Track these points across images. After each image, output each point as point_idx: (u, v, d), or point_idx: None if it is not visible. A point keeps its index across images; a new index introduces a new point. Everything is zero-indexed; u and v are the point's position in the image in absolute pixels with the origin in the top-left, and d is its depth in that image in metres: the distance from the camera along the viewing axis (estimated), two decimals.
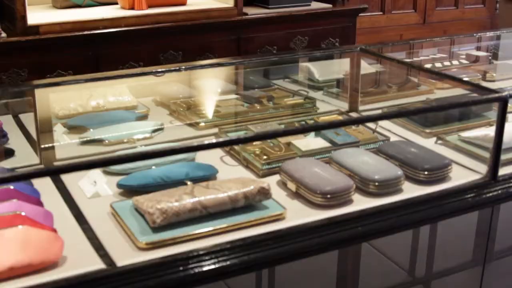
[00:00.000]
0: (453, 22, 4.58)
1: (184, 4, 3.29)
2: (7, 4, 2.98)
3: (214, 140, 1.32)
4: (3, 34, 2.80)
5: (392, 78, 2.62)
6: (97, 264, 1.29)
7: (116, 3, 3.25)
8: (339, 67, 2.65)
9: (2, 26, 2.85)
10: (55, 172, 1.50)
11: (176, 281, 1.29)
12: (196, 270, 1.31)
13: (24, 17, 2.79)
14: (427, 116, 2.13)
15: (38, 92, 2.06)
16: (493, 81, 2.65)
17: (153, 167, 1.68)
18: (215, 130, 2.04)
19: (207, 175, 1.67)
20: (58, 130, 2.03)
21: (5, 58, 2.76)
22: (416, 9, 4.35)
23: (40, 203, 1.46)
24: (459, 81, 2.24)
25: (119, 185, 1.62)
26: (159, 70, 2.06)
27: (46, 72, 2.84)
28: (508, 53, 3.10)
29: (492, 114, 2.10)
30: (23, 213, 1.31)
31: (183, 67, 2.08)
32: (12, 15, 2.87)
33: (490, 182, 1.72)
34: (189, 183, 1.55)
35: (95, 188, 1.62)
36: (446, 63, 2.84)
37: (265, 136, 1.62)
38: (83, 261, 1.30)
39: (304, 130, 1.76)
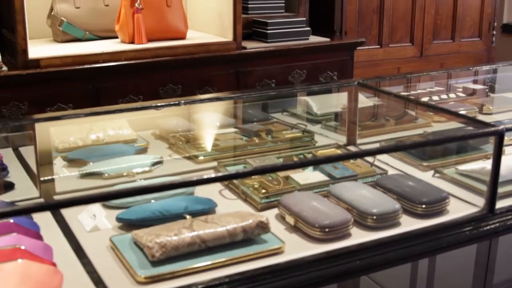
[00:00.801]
0: (450, 55, 4.62)
1: (183, 38, 3.33)
2: (8, 38, 3.01)
3: (213, 175, 1.33)
4: (4, 68, 2.83)
5: (389, 111, 2.64)
6: None
7: (116, 37, 3.28)
8: (337, 100, 2.67)
9: (3, 59, 2.87)
10: (54, 207, 1.51)
11: None
12: None
13: (25, 51, 2.82)
14: (425, 149, 2.14)
15: (38, 126, 2.07)
16: (490, 114, 2.67)
17: (152, 200, 1.69)
18: (214, 163, 2.05)
19: (206, 209, 1.68)
20: (58, 163, 2.04)
21: (5, 91, 2.78)
22: (413, 43, 4.40)
23: (39, 237, 1.46)
24: (455, 115, 2.26)
25: (118, 219, 1.63)
26: (159, 104, 2.08)
27: (46, 105, 2.86)
28: (504, 86, 3.13)
29: (489, 147, 2.11)
30: (22, 247, 1.31)
31: (183, 102, 2.10)
32: (13, 48, 2.90)
33: (488, 215, 1.73)
34: (188, 217, 1.55)
35: (94, 222, 1.63)
36: (443, 96, 2.86)
37: (264, 170, 1.63)
38: None
39: (302, 164, 1.77)
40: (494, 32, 4.82)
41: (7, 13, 2.99)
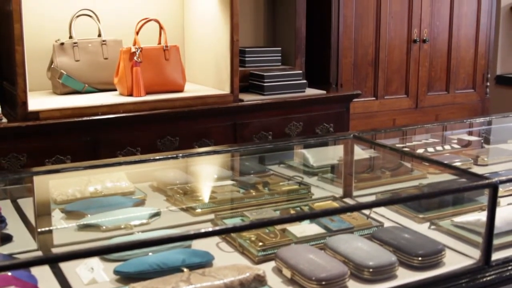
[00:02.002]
0: (444, 107, 4.67)
1: (181, 91, 3.37)
2: (8, 90, 3.05)
3: (210, 229, 1.34)
4: (4, 120, 2.85)
5: (385, 163, 2.66)
6: None
7: (115, 90, 3.33)
8: (333, 153, 2.69)
9: (3, 111, 2.90)
10: (52, 261, 1.51)
11: None
12: None
13: (25, 103, 2.85)
14: (420, 201, 2.16)
15: (37, 178, 2.08)
16: (486, 165, 2.69)
17: (150, 253, 1.70)
18: (212, 216, 2.06)
19: (203, 262, 1.68)
20: (56, 215, 2.05)
21: (4, 143, 2.80)
22: (408, 94, 4.45)
23: None
24: (450, 167, 2.28)
25: (116, 272, 1.63)
26: (157, 157, 2.10)
27: (45, 156, 2.88)
28: (499, 137, 3.16)
29: (484, 198, 2.13)
30: None
31: (180, 155, 2.13)
32: (13, 100, 2.93)
33: (484, 267, 1.73)
34: (185, 270, 1.56)
35: (92, 275, 1.63)
36: (439, 147, 2.89)
37: (261, 224, 1.65)
38: None
39: (299, 218, 1.79)
40: (488, 84, 4.88)
41: (7, 65, 3.04)
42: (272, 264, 1.73)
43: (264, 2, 3.99)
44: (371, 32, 4.19)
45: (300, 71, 3.69)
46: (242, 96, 3.41)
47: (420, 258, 1.72)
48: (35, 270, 1.58)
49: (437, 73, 4.58)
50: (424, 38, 4.43)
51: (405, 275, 1.68)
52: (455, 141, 3.03)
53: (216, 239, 1.89)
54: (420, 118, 4.53)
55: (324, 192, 2.33)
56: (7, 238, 1.87)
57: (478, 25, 4.73)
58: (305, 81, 3.65)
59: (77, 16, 3.37)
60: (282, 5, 3.93)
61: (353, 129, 3.87)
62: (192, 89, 3.45)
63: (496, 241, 1.77)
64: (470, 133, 3.23)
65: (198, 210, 2.11)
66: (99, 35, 3.42)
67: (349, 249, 1.72)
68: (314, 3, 4.03)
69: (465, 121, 3.24)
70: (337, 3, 4.00)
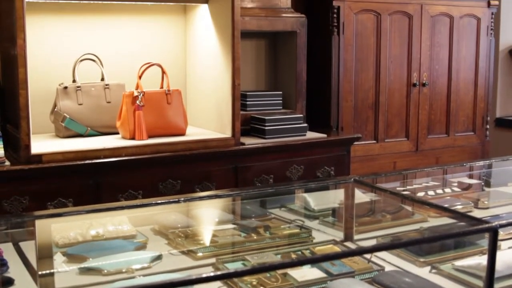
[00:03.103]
0: (445, 149, 4.69)
1: (183, 134, 3.40)
2: (11, 133, 3.08)
3: (212, 274, 1.35)
4: (7, 163, 2.88)
5: (386, 206, 2.67)
6: None
7: (118, 133, 3.35)
8: (334, 196, 2.70)
9: (6, 154, 2.92)
10: None
11: None
12: None
13: (28, 146, 2.88)
14: (421, 245, 2.16)
15: (39, 221, 2.09)
16: (486, 208, 2.69)
17: None
18: (213, 259, 2.07)
19: None
20: (58, 258, 2.05)
21: (7, 186, 2.82)
22: (408, 137, 4.48)
23: None
24: (450, 211, 2.29)
25: None
26: (158, 202, 2.12)
27: (47, 199, 2.89)
28: (499, 180, 3.17)
29: (485, 241, 2.13)
30: None
31: (182, 199, 2.14)
32: (16, 144, 2.96)
33: None
34: None
35: None
36: (439, 191, 2.89)
37: (262, 269, 1.65)
38: None
39: (300, 263, 1.79)
40: (488, 126, 4.91)
41: (11, 109, 3.07)
42: None
43: (265, 46, 4.05)
44: (371, 76, 4.24)
45: (301, 115, 3.73)
46: (244, 139, 3.44)
47: None
48: None
49: (437, 116, 4.61)
50: (424, 81, 4.48)
51: None
52: (456, 184, 3.03)
53: (217, 283, 1.89)
54: (421, 161, 4.55)
55: (325, 236, 2.34)
56: (9, 282, 1.87)
57: (477, 68, 4.78)
58: (306, 124, 3.69)
59: (81, 61, 3.42)
60: (283, 49, 3.99)
61: (354, 172, 3.89)
62: (194, 133, 3.48)
63: (497, 285, 1.77)
64: (470, 176, 3.24)
65: (200, 254, 2.11)
66: (102, 79, 3.47)
67: None
68: (314, 48, 4.09)
69: (464, 164, 3.26)
70: (337, 47, 4.06)
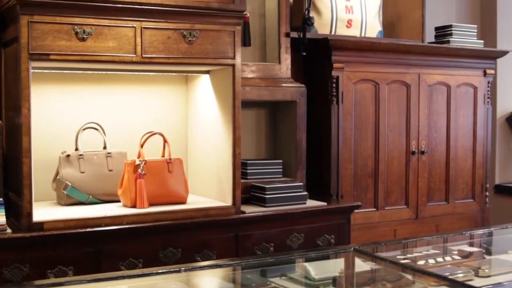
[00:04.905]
0: (445, 217, 4.69)
1: (184, 202, 3.42)
2: (13, 201, 3.10)
3: None
4: (8, 230, 2.88)
5: (386, 275, 2.67)
6: None
7: (119, 201, 3.37)
8: (334, 266, 2.70)
9: (8, 222, 2.94)
10: None
11: None
12: None
13: (30, 214, 2.89)
14: None
15: None
16: (487, 276, 2.69)
17: None
18: None
19: None
20: None
21: (8, 253, 2.82)
22: (408, 205, 4.49)
23: None
24: (451, 280, 2.29)
25: None
26: (159, 271, 2.12)
27: (47, 267, 2.88)
28: (499, 248, 3.17)
29: None
30: None
31: (183, 269, 2.15)
32: (18, 211, 2.98)
33: None
34: None
35: None
36: (439, 259, 2.89)
37: None
38: None
39: None
40: (487, 193, 4.93)
41: (14, 176, 3.10)
42: None
43: (265, 115, 4.11)
44: (370, 144, 4.29)
45: (301, 183, 3.75)
46: (244, 208, 3.45)
47: None
48: None
49: (436, 184, 4.63)
50: (423, 149, 4.52)
51: None
52: (456, 252, 3.03)
53: None
54: (421, 228, 4.55)
55: None
56: None
57: (475, 136, 4.82)
58: (306, 193, 3.71)
59: (84, 129, 3.47)
60: (283, 118, 4.05)
61: (355, 240, 3.88)
62: (195, 201, 3.50)
63: None
64: (470, 244, 3.25)
65: None
66: (105, 147, 3.51)
67: None
68: (314, 116, 4.15)
69: (464, 233, 3.27)
70: (337, 116, 4.12)
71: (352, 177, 4.21)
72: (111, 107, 3.67)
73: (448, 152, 4.68)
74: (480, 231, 3.37)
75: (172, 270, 2.19)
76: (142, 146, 3.40)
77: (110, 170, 3.44)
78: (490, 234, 3.42)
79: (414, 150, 4.48)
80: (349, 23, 4.43)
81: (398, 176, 4.43)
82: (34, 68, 3.01)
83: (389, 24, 4.90)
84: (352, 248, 2.40)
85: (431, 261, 2.84)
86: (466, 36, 4.78)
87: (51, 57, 2.94)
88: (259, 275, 2.63)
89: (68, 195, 3.33)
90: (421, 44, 4.69)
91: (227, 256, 3.23)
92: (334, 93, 4.12)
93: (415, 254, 2.99)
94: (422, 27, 4.79)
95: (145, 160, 3.34)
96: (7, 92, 3.26)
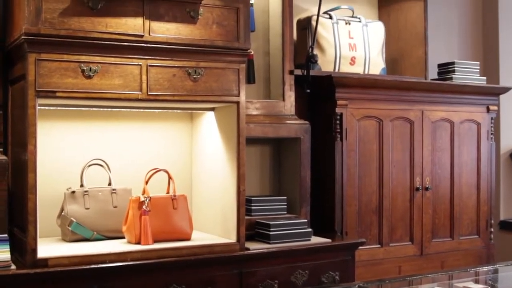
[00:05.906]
0: (449, 253, 4.67)
1: (188, 239, 3.42)
2: (18, 237, 3.10)
3: None
4: (13, 266, 2.88)
5: None
6: None
7: (124, 237, 3.38)
8: None
9: (12, 258, 2.94)
10: None
11: None
12: None
13: (34, 250, 2.90)
14: None
15: None
16: None
17: None
18: None
19: None
20: None
21: None
22: (413, 241, 4.47)
23: None
24: None
25: None
26: None
27: None
28: (505, 285, 3.17)
29: None
30: None
31: None
32: (22, 247, 2.98)
33: None
34: None
35: None
36: None
37: None
38: None
39: None
40: (492, 229, 4.91)
41: (19, 212, 3.10)
42: None
43: (269, 152, 4.13)
44: (374, 181, 4.29)
45: (305, 220, 3.75)
46: (248, 244, 3.45)
47: None
48: None
49: (440, 220, 4.63)
50: (427, 185, 4.52)
51: None
52: None
53: None
54: (426, 265, 4.53)
55: None
56: None
57: (479, 172, 4.83)
58: (310, 229, 3.70)
59: (89, 166, 3.49)
60: (287, 155, 4.07)
61: (359, 277, 3.87)
62: (199, 238, 3.50)
63: None
64: (476, 281, 3.24)
65: None
66: (109, 184, 3.52)
67: None
68: (318, 153, 4.16)
69: (469, 270, 3.26)
70: (341, 152, 4.13)
71: (357, 213, 4.21)
72: (116, 143, 3.70)
73: (452, 188, 4.68)
74: (485, 268, 3.36)
75: None
76: (147, 182, 3.42)
77: (115, 207, 3.46)
78: (496, 271, 3.41)
79: (418, 186, 4.48)
80: (352, 60, 4.47)
81: (403, 212, 4.43)
82: (40, 105, 3.04)
83: (392, 61, 4.95)
84: (356, 286, 2.40)
85: None
86: (468, 73, 4.82)
87: (58, 94, 2.97)
88: None
89: (73, 231, 3.34)
90: (424, 81, 4.72)
91: None
92: (338, 130, 4.14)
93: None
94: (425, 64, 4.83)
95: (150, 197, 3.36)
96: (14, 128, 3.28)
